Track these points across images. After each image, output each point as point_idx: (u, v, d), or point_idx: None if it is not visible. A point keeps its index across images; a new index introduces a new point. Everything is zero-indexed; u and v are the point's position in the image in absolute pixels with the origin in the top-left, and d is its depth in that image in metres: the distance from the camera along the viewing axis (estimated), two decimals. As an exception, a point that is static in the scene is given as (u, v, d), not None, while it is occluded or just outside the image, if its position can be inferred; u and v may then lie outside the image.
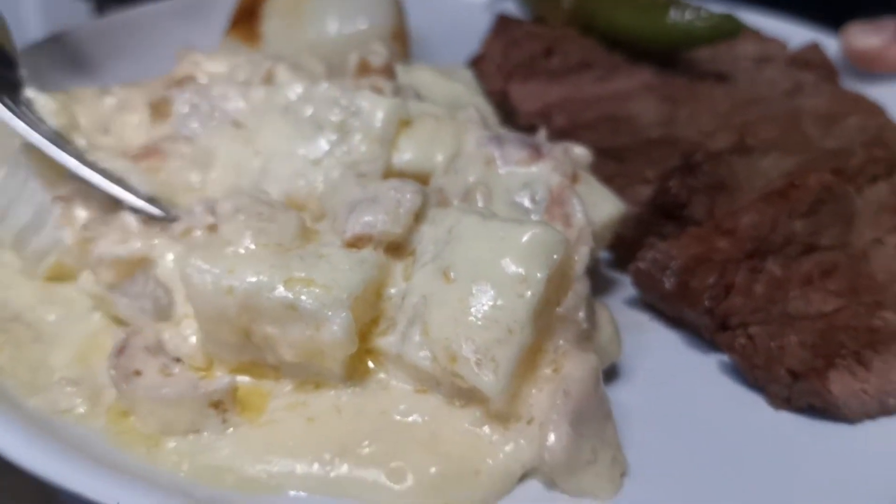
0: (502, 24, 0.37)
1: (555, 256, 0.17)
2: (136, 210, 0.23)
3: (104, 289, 0.20)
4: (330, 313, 0.16)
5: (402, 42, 0.33)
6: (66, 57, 0.35)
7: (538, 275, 0.17)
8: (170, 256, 0.20)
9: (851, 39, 0.35)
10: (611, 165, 0.25)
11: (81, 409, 0.18)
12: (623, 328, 0.21)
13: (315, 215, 0.21)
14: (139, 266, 0.20)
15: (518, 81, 0.30)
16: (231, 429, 0.17)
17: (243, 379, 0.18)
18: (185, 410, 0.18)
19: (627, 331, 0.21)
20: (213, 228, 0.21)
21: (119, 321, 0.21)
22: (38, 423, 0.17)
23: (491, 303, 0.17)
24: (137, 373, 0.18)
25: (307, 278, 0.17)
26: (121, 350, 0.18)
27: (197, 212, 0.21)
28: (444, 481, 0.16)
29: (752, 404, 0.19)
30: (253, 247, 0.17)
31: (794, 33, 0.38)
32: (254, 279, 0.17)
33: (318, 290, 0.17)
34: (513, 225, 0.18)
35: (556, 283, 0.17)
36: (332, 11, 0.33)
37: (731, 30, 0.30)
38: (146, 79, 0.33)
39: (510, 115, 0.31)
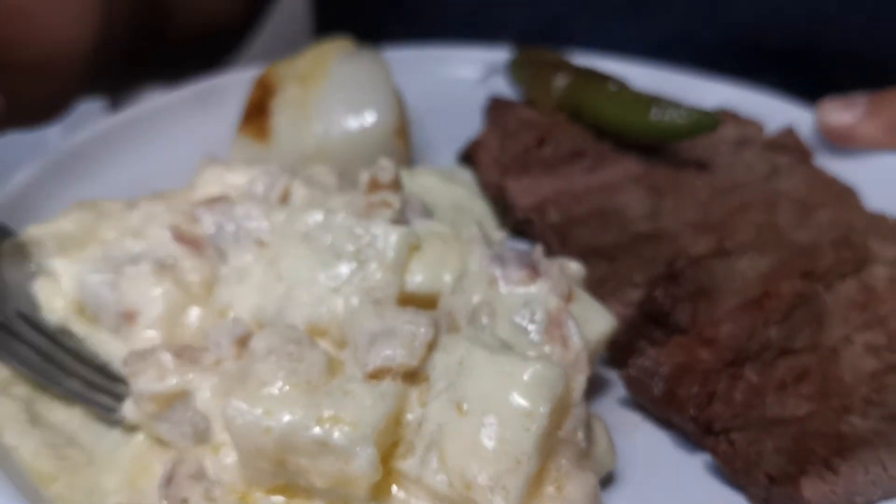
0: (496, 108, 0.39)
1: (555, 391, 0.19)
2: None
3: (147, 417, 0.22)
4: (358, 449, 0.19)
5: (404, 137, 0.35)
6: (84, 159, 0.37)
7: (541, 409, 0.19)
8: (206, 388, 0.22)
9: (825, 116, 0.38)
10: (602, 266, 0.27)
11: None
12: (617, 428, 0.23)
13: (336, 340, 0.23)
14: (177, 398, 0.22)
15: (514, 176, 0.32)
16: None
17: (278, 499, 0.20)
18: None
19: (621, 431, 0.24)
20: (240, 355, 0.23)
21: (161, 442, 0.23)
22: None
23: (500, 435, 0.19)
24: (185, 500, 0.20)
25: (336, 416, 0.19)
26: (169, 480, 0.20)
27: (224, 344, 0.23)
28: None
29: (736, 503, 0.22)
30: (287, 388, 0.19)
31: (771, 107, 0.41)
32: (289, 419, 0.19)
33: (347, 428, 0.19)
34: (517, 361, 0.20)
35: (558, 412, 0.20)
36: (337, 108, 0.35)
37: (709, 125, 0.32)
38: (165, 173, 0.35)
39: (506, 209, 0.33)
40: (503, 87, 0.46)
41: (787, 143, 0.36)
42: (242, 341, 0.22)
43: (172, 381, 0.21)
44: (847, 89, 0.41)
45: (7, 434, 0.22)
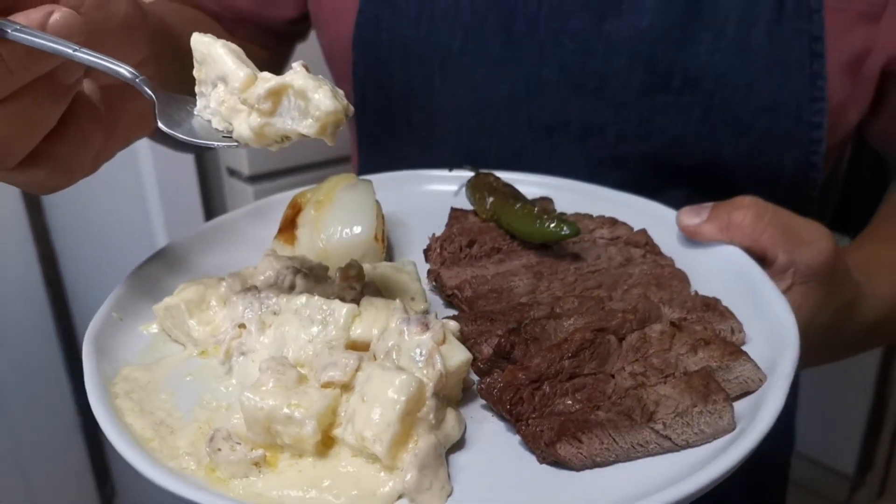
0: (454, 216, 0.55)
1: (410, 390, 0.34)
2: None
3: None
4: (307, 422, 0.34)
5: (381, 241, 0.52)
6: (186, 251, 0.53)
7: (402, 398, 0.34)
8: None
9: (680, 218, 0.51)
10: (487, 324, 0.43)
11: (193, 467, 0.36)
12: (474, 417, 0.38)
13: (308, 367, 0.39)
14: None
15: (446, 267, 0.48)
16: (262, 474, 0.35)
17: (262, 451, 0.36)
18: (240, 467, 0.35)
19: (478, 420, 0.38)
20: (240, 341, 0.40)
21: (208, 424, 0.39)
22: (173, 473, 0.35)
23: (381, 413, 0.34)
24: (219, 449, 0.36)
25: (298, 404, 0.35)
26: (211, 439, 0.36)
27: (225, 332, 0.40)
28: (359, 499, 0.34)
29: (532, 461, 0.36)
30: (274, 388, 0.35)
31: (658, 212, 0.55)
32: (272, 403, 0.35)
33: (303, 411, 0.35)
34: (396, 373, 0.35)
35: (415, 401, 0.34)
36: (336, 223, 0.51)
37: (573, 233, 0.46)
38: (239, 262, 0.50)
39: (441, 288, 0.49)
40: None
41: (641, 239, 0.50)
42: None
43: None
44: (742, 192, 0.55)
45: (128, 417, 0.38)
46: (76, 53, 0.33)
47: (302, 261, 0.47)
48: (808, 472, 2.08)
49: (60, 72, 0.34)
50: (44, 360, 1.92)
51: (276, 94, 0.36)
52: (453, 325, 0.40)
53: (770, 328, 0.41)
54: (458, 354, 0.38)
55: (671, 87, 0.57)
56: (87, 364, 0.40)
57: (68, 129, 0.36)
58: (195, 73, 0.39)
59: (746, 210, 0.47)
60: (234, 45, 0.38)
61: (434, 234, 0.52)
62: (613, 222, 0.51)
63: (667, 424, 0.35)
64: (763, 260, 0.47)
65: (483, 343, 0.40)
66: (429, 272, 0.49)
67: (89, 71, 0.37)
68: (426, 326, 0.38)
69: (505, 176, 0.57)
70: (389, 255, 0.54)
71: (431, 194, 0.59)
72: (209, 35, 0.38)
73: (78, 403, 1.95)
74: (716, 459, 0.32)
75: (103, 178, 1.23)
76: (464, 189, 0.58)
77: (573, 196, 0.57)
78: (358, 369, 0.37)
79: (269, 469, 0.35)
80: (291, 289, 0.43)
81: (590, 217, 0.52)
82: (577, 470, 0.35)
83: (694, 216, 0.49)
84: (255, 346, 0.41)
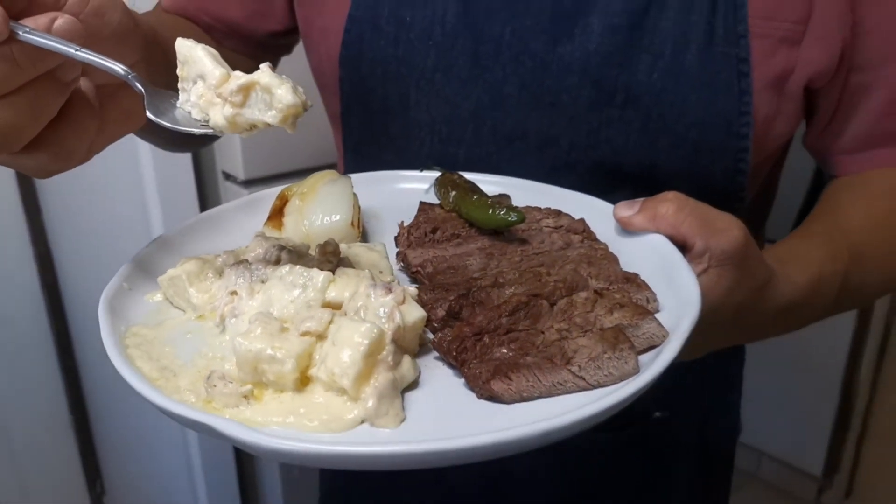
0: (422, 209, 0.63)
1: (372, 336, 0.42)
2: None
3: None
4: (288, 360, 0.41)
5: (357, 227, 0.59)
6: (185, 236, 0.59)
7: (365, 341, 0.41)
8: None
9: (616, 211, 0.58)
10: (443, 293, 0.50)
11: (193, 400, 0.43)
12: (428, 365, 0.46)
13: (289, 323, 0.46)
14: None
15: (412, 249, 0.55)
16: (250, 405, 0.42)
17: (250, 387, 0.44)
18: (232, 399, 0.43)
19: (429, 369, 0.46)
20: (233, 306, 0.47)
21: (208, 368, 0.47)
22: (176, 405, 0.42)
23: (348, 354, 0.41)
24: (214, 386, 0.43)
25: (281, 347, 0.42)
26: (207, 378, 0.44)
27: (220, 299, 0.47)
28: (329, 423, 0.41)
29: (472, 397, 0.43)
30: (261, 334, 0.43)
31: (598, 206, 0.62)
32: (260, 346, 0.42)
33: (284, 352, 0.42)
34: (361, 323, 0.43)
35: (376, 345, 0.41)
36: (318, 211, 0.59)
37: (520, 219, 0.54)
38: (233, 243, 0.56)
39: (407, 266, 0.57)
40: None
41: (580, 227, 0.57)
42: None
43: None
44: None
45: (137, 362, 0.46)
46: (77, 53, 0.39)
47: (287, 240, 0.55)
48: (777, 472, 2.16)
49: (61, 70, 0.39)
50: (37, 358, 1.97)
51: (245, 90, 0.42)
52: (412, 289, 0.48)
53: (679, 299, 0.49)
54: (414, 312, 0.45)
55: (615, 102, 0.63)
56: (103, 321, 0.48)
57: (67, 118, 0.41)
58: (178, 71, 0.45)
59: (670, 203, 0.54)
60: (211, 49, 0.44)
61: (403, 223, 0.60)
62: (558, 213, 0.59)
63: (581, 367, 0.43)
64: (683, 246, 0.52)
65: (438, 307, 0.48)
66: (397, 254, 0.57)
67: (86, 70, 0.42)
68: (389, 290, 0.46)
69: (468, 175, 0.65)
70: (364, 241, 0.62)
71: (404, 191, 0.66)
72: (191, 40, 0.44)
73: (70, 401, 2.01)
74: (615, 392, 0.40)
75: (104, 181, 1.34)
76: (433, 187, 0.66)
77: (527, 193, 0.64)
78: (331, 322, 0.44)
79: (256, 401, 0.42)
80: (277, 262, 0.51)
81: (538, 209, 0.60)
82: (508, 403, 0.42)
83: (627, 209, 0.55)
84: (245, 308, 0.49)
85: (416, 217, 0.60)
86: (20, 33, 0.37)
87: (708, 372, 0.87)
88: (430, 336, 0.48)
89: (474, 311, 0.47)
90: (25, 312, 1.95)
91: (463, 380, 0.43)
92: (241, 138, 1.36)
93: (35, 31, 0.37)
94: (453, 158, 0.69)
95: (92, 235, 1.77)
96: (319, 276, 0.47)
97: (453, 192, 0.59)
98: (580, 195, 0.61)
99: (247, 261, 0.51)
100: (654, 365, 0.42)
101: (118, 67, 0.42)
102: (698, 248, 0.52)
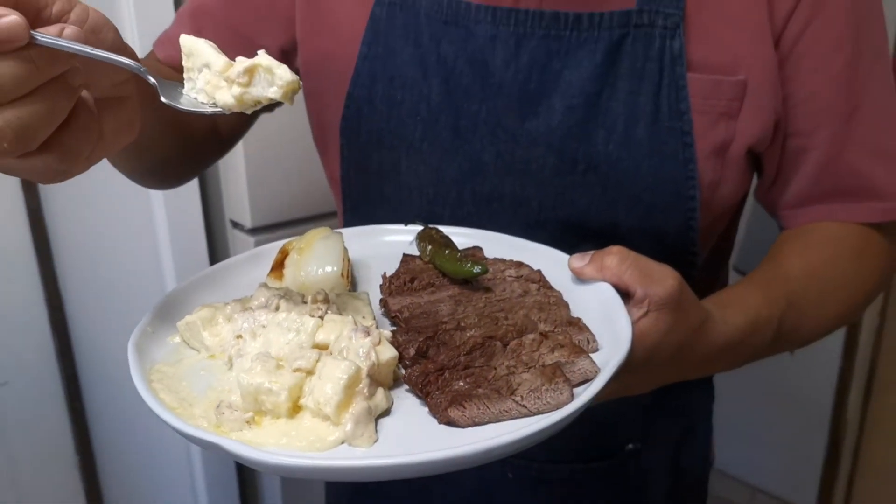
0: (404, 260, 0.72)
1: (350, 373, 0.51)
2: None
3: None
4: (282, 392, 0.51)
5: (347, 278, 0.69)
6: (197, 287, 0.71)
7: (344, 377, 0.50)
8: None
9: (570, 262, 0.66)
10: (413, 335, 0.59)
11: (205, 425, 0.52)
12: (399, 398, 0.55)
13: (284, 361, 0.55)
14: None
15: (392, 296, 0.64)
16: (252, 429, 0.51)
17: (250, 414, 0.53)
18: (237, 424, 0.52)
19: (400, 399, 0.55)
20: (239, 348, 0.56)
21: (220, 400, 0.56)
22: (192, 426, 0.51)
23: (330, 387, 0.51)
24: (222, 413, 0.52)
25: (276, 381, 0.51)
26: (217, 407, 0.53)
27: (228, 341, 0.57)
28: (314, 443, 0.50)
29: (434, 422, 0.51)
30: (260, 370, 0.52)
31: (559, 259, 0.71)
32: (259, 381, 0.51)
33: (278, 385, 0.51)
34: (341, 362, 0.52)
35: (353, 381, 0.50)
36: (313, 264, 0.68)
37: (484, 271, 0.63)
38: (239, 293, 0.67)
39: (387, 311, 0.66)
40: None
41: (536, 277, 0.66)
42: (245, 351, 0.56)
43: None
44: (636, 248, 0.63)
45: (160, 394, 0.55)
46: (93, 52, 0.42)
47: (286, 290, 0.64)
48: (768, 507, 2.20)
49: (70, 74, 0.43)
50: (43, 387, 2.05)
51: (250, 71, 0.47)
52: (387, 332, 0.57)
53: (615, 340, 0.58)
54: (387, 352, 0.55)
55: (577, 170, 0.71)
56: (131, 360, 0.57)
57: (73, 122, 0.44)
58: (184, 63, 0.50)
59: (614, 256, 0.60)
60: (210, 42, 0.49)
61: (385, 274, 0.70)
62: (519, 264, 0.67)
63: (523, 397, 0.52)
64: (627, 293, 0.59)
65: (409, 347, 0.56)
66: (380, 300, 0.67)
67: (87, 81, 0.45)
68: (367, 333, 0.56)
69: (446, 230, 0.74)
70: (353, 288, 0.71)
71: (390, 243, 0.73)
72: (192, 36, 0.50)
73: (74, 427, 2.08)
74: (549, 417, 0.49)
75: (118, 227, 1.47)
76: (415, 240, 0.76)
77: (498, 246, 0.73)
78: (318, 360, 0.54)
79: (257, 426, 0.52)
80: (276, 309, 0.61)
81: (503, 260, 0.69)
82: (463, 427, 0.51)
83: (579, 261, 0.62)
84: (249, 349, 0.58)
85: (399, 268, 0.69)
86: (38, 38, 0.40)
87: (678, 406, 0.95)
88: (403, 371, 0.57)
89: (439, 351, 0.56)
90: (33, 349, 2.04)
91: (426, 407, 0.52)
92: (249, 192, 1.46)
93: (51, 37, 0.40)
94: (440, 217, 0.76)
95: (105, 279, 1.87)
96: (310, 322, 0.56)
97: (430, 247, 0.68)
98: (542, 247, 0.69)
99: (251, 308, 0.61)
100: (583, 395, 0.51)
101: (130, 62, 0.45)
102: (639, 295, 0.58)
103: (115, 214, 1.70)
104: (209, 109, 0.49)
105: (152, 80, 0.48)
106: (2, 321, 1.98)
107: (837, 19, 0.67)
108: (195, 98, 0.50)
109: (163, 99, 0.48)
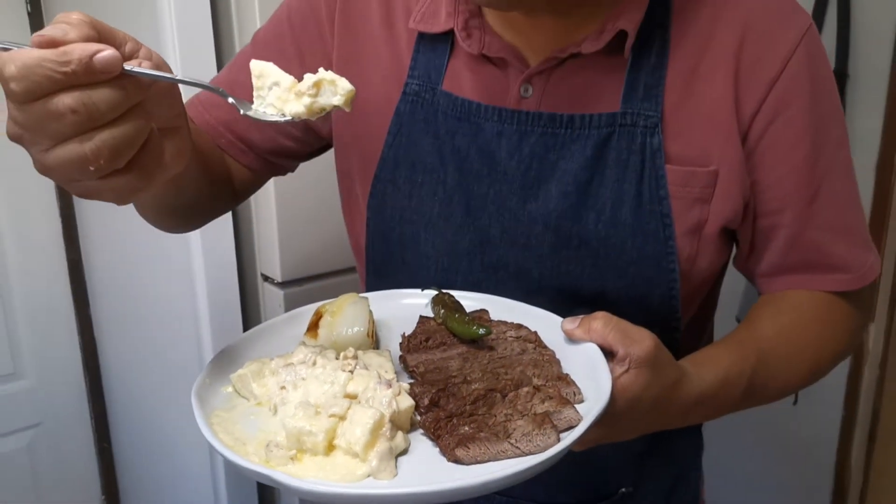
0: (420, 321, 0.84)
1: (377, 416, 0.61)
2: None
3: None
4: (320, 433, 0.62)
5: (372, 336, 0.79)
6: (247, 342, 0.82)
7: (371, 422, 0.60)
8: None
9: (563, 325, 0.76)
10: (428, 387, 0.71)
11: (256, 460, 0.62)
12: (415, 440, 0.66)
13: (321, 408, 0.67)
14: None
15: (410, 354, 0.75)
16: (294, 464, 0.62)
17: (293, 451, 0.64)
18: (283, 460, 0.63)
19: (416, 441, 0.66)
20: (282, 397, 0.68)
21: (268, 440, 0.67)
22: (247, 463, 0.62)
23: (360, 429, 0.62)
24: (271, 451, 0.64)
25: (315, 424, 0.63)
26: (266, 446, 0.64)
27: (273, 391, 0.68)
28: (346, 476, 0.61)
29: (443, 460, 0.61)
30: (301, 415, 0.64)
31: (545, 317, 0.82)
32: (301, 424, 0.62)
33: (316, 428, 0.63)
34: (369, 409, 0.64)
35: (378, 425, 0.60)
36: (343, 325, 0.79)
37: (488, 333, 0.74)
38: (282, 349, 0.79)
39: (406, 367, 0.77)
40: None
41: (532, 337, 0.77)
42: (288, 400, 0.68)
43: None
44: (623, 314, 0.69)
45: (219, 435, 0.67)
46: (178, 77, 0.48)
47: (322, 348, 0.76)
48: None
49: (146, 102, 0.48)
50: (74, 428, 2.14)
51: (317, 84, 0.54)
52: (405, 385, 0.69)
53: (597, 393, 0.69)
54: (406, 401, 0.66)
55: (571, 245, 0.79)
56: (195, 406, 0.69)
57: (147, 145, 0.49)
58: (255, 82, 0.55)
59: (599, 320, 0.67)
60: (273, 64, 0.55)
61: (404, 333, 0.82)
62: (519, 326, 0.78)
63: (517, 440, 0.63)
64: (610, 353, 0.66)
65: (424, 397, 0.66)
66: (400, 356, 0.78)
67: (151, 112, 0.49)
68: (389, 385, 0.67)
69: (457, 294, 0.84)
70: (377, 346, 0.83)
71: (409, 306, 0.81)
72: (260, 61, 0.55)
73: (100, 465, 2.17)
74: (538, 457, 0.60)
75: (157, 279, 1.61)
76: (430, 303, 0.88)
77: (502, 309, 0.80)
78: (349, 408, 0.65)
79: (298, 462, 0.63)
80: (314, 364, 0.73)
81: (505, 322, 0.80)
82: (468, 465, 0.62)
83: (570, 324, 0.69)
84: (291, 398, 0.70)
85: (416, 328, 0.80)
86: (128, 69, 0.45)
87: (668, 453, 1.04)
88: (418, 417, 0.68)
89: (448, 401, 0.68)
90: (72, 403, 2.15)
91: (438, 448, 0.63)
92: (280, 249, 1.59)
93: (138, 68, 0.46)
94: (453, 282, 0.84)
95: (141, 322, 1.99)
96: (342, 376, 0.68)
97: (442, 310, 0.80)
98: (540, 311, 0.77)
99: (293, 364, 0.73)
100: (566, 438, 0.62)
101: (212, 85, 0.52)
102: (620, 354, 0.66)
103: (154, 265, 1.84)
104: (283, 119, 0.55)
105: (231, 99, 0.54)
106: (40, 363, 2.10)
107: (797, 118, 0.76)
108: (264, 112, 0.55)
109: (243, 112, 0.54)
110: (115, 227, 1.71)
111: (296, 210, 1.66)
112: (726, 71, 0.75)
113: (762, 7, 0.75)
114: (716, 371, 0.82)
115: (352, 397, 0.63)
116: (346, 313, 0.77)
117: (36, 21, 1.74)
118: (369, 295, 0.82)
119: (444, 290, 0.81)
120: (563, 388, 0.69)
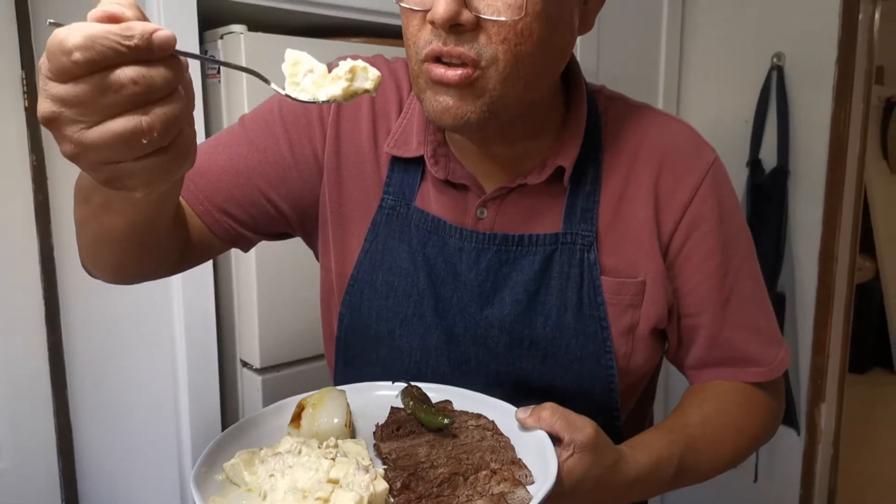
0: (392, 412, 0.95)
1: (357, 498, 0.71)
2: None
3: None
4: None
5: (349, 426, 0.89)
6: (232, 438, 0.94)
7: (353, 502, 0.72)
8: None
9: (516, 414, 0.85)
10: (399, 472, 0.82)
11: None
12: None
13: (308, 492, 0.77)
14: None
15: (383, 442, 0.85)
16: (284, 542, 0.72)
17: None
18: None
19: None
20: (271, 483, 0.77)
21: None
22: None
23: None
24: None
25: None
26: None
27: (263, 479, 0.78)
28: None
29: None
30: (290, 500, 0.74)
31: (501, 407, 0.94)
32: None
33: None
34: (349, 492, 0.74)
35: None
36: (324, 416, 0.89)
37: (451, 423, 0.84)
38: (273, 437, 0.91)
39: (379, 453, 0.88)
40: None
41: (490, 425, 0.89)
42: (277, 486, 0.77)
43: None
44: (568, 404, 0.79)
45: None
46: (223, 61, 0.52)
47: (306, 438, 0.87)
48: None
49: (184, 87, 0.49)
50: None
51: (352, 70, 0.58)
52: (380, 470, 0.79)
53: (545, 475, 0.80)
54: (381, 485, 0.77)
55: (523, 345, 0.87)
56: (195, 493, 0.78)
57: (183, 129, 0.51)
58: (290, 68, 0.57)
59: (547, 410, 0.73)
60: (307, 54, 0.58)
61: (378, 423, 0.92)
62: (479, 416, 0.88)
63: (476, 517, 0.74)
64: (557, 439, 0.73)
65: (396, 481, 0.76)
66: (374, 444, 0.88)
67: None
68: (367, 471, 0.78)
69: (424, 386, 0.94)
70: (353, 435, 0.93)
71: (381, 397, 0.86)
72: (295, 50, 0.57)
73: None
74: (491, 531, 0.70)
75: (138, 361, 1.71)
76: (399, 395, 0.99)
77: (464, 399, 0.87)
78: (332, 492, 0.76)
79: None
80: (299, 453, 0.83)
81: (466, 412, 0.89)
82: (438, 544, 0.72)
83: (523, 413, 0.76)
84: (279, 485, 0.80)
85: (388, 418, 0.91)
86: (178, 50, 0.47)
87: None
88: (392, 499, 0.79)
89: (418, 484, 0.78)
90: (40, 479, 2.16)
91: (408, 524, 0.72)
92: (259, 336, 1.69)
93: (188, 50, 0.48)
94: (424, 375, 0.91)
95: (117, 405, 2.04)
96: (325, 463, 0.79)
97: (411, 402, 0.91)
98: (497, 401, 0.85)
99: (280, 453, 0.83)
100: (517, 518, 0.73)
101: (251, 68, 0.55)
102: (566, 440, 0.73)
103: (135, 349, 1.91)
104: (321, 100, 0.57)
105: (274, 86, 0.56)
106: (15, 445, 2.12)
107: (708, 235, 0.88)
108: (297, 97, 0.57)
109: (282, 91, 0.56)
110: (98, 310, 1.79)
111: (277, 302, 1.77)
112: (647, 197, 0.89)
113: (674, 145, 0.91)
114: (649, 454, 0.93)
115: (334, 482, 0.72)
116: (326, 406, 0.87)
117: (21, 9, 1.74)
118: (346, 388, 0.92)
119: (412, 384, 0.92)
120: (516, 472, 0.80)
